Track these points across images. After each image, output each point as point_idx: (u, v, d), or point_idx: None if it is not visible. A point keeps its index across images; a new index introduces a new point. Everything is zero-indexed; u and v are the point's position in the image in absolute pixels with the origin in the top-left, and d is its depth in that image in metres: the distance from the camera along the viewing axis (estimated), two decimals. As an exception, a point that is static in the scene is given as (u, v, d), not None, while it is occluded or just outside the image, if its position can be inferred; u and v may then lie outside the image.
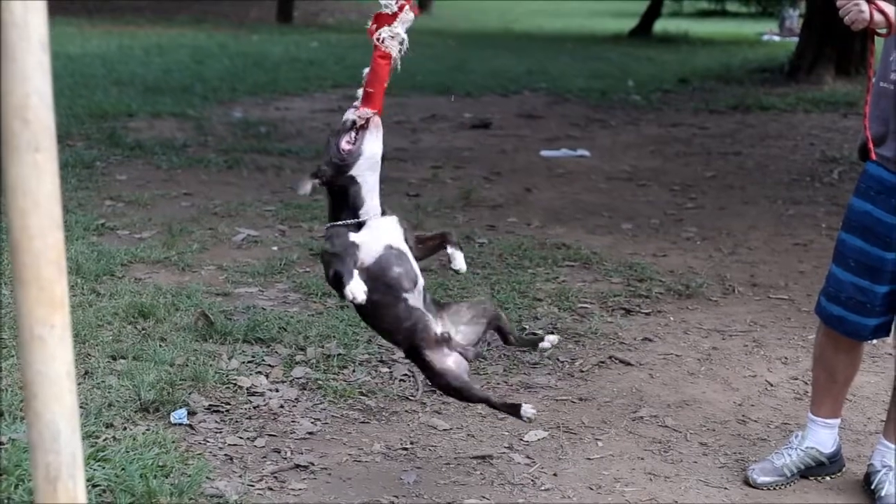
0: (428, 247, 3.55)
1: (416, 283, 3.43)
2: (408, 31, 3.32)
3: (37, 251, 1.53)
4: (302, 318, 5.35)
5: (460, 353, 3.51)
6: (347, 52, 18.88)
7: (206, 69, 15.71)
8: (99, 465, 3.64)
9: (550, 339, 3.68)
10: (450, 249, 3.51)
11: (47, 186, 1.53)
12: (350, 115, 3.36)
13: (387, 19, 3.30)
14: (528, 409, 3.53)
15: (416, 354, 3.50)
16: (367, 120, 3.33)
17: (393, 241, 3.42)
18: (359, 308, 3.37)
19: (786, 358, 5.20)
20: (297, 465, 3.92)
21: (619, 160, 10.18)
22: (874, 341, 4.60)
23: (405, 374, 4.79)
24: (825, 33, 15.30)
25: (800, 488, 3.94)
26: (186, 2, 30.17)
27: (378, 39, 3.29)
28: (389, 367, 4.86)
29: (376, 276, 3.35)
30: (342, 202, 3.39)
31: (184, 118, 11.53)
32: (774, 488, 3.91)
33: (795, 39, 18.87)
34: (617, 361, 5.09)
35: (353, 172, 3.34)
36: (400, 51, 3.32)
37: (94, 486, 3.50)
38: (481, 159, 10.04)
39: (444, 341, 3.48)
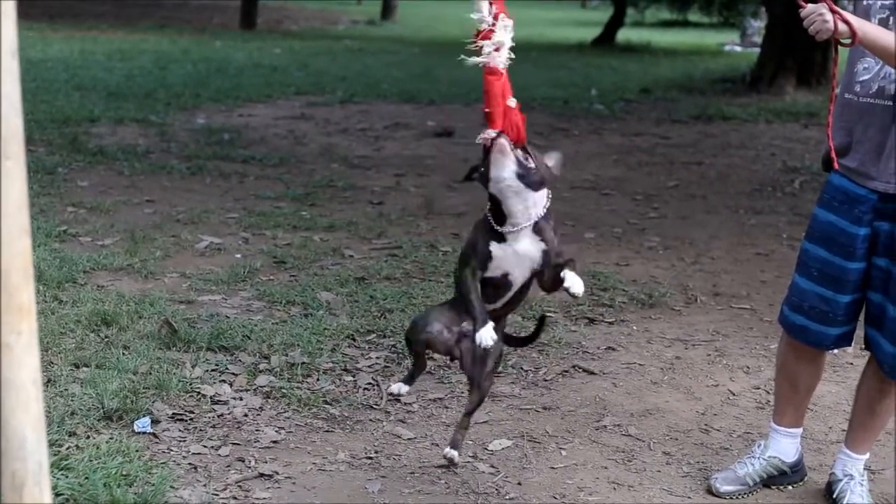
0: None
1: None
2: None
3: (4, 258, 1.52)
4: (266, 326, 5.33)
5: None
6: (311, 59, 18.84)
7: (169, 75, 15.63)
8: (62, 474, 3.61)
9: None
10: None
11: (16, 194, 1.52)
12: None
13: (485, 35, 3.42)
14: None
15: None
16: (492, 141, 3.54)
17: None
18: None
19: (748, 367, 5.23)
20: (262, 474, 3.91)
21: (582, 169, 10.21)
22: (836, 351, 4.63)
23: (369, 383, 4.78)
24: (786, 44, 15.42)
25: (762, 497, 3.97)
26: (149, 7, 30.03)
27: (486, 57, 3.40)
28: (353, 376, 4.85)
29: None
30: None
31: (146, 124, 11.46)
32: (737, 497, 3.93)
33: (757, 50, 19.00)
34: (580, 370, 5.10)
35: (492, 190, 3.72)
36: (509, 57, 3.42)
37: (57, 494, 3.47)
38: (444, 167, 10.03)
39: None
